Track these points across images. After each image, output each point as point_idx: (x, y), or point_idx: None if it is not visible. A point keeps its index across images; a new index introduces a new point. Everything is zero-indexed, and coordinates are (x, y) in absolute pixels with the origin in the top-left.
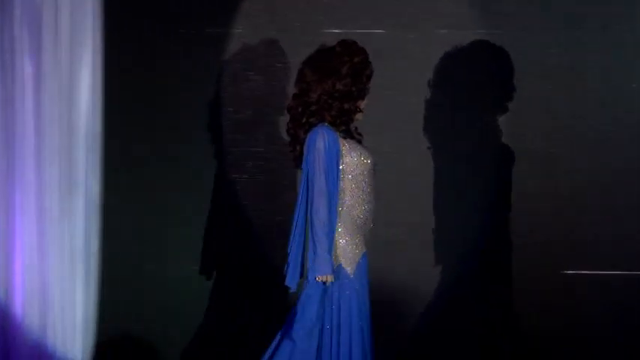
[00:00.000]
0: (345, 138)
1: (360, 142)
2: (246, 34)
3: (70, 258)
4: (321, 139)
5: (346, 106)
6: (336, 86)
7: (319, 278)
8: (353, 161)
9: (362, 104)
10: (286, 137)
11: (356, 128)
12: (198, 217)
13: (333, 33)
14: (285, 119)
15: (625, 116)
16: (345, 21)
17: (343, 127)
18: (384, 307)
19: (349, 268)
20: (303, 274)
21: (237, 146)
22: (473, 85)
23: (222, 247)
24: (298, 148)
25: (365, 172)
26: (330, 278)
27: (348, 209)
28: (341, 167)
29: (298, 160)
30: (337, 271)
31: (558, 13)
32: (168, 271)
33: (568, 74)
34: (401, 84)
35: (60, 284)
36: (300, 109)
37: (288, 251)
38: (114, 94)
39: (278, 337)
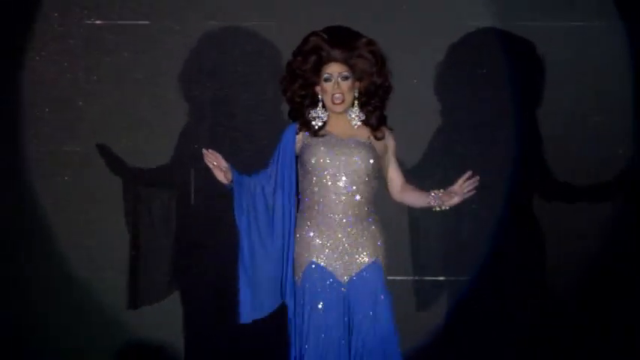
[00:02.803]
0: (315, 134)
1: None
2: None
3: None
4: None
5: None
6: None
7: None
8: (309, 161)
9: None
10: None
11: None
12: None
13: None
14: None
15: None
16: None
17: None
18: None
19: (297, 277)
20: None
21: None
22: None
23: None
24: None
25: (330, 175)
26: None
27: (301, 212)
28: (306, 165)
29: None
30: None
31: None
32: None
33: None
34: None
35: None
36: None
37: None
38: None
39: None
